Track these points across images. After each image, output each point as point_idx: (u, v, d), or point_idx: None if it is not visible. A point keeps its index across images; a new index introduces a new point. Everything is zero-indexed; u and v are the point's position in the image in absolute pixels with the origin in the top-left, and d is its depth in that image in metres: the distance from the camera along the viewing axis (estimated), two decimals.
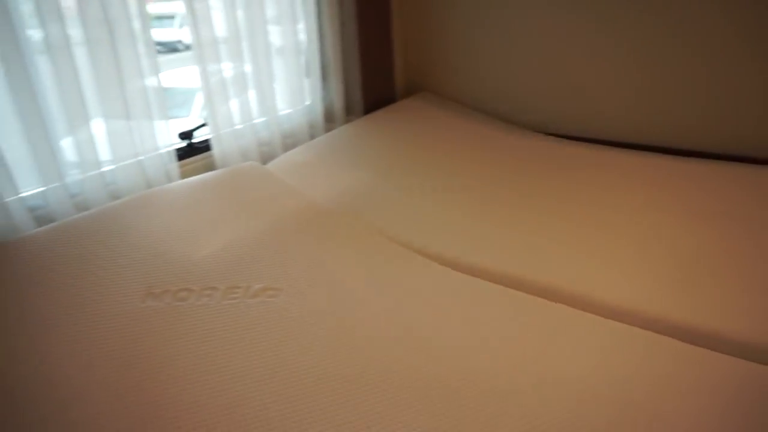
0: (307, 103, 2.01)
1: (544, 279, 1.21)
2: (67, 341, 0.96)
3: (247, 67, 1.73)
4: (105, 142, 1.43)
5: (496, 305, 1.12)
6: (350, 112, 2.14)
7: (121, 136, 1.44)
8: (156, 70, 1.48)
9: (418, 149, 1.86)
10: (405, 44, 2.35)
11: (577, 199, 1.54)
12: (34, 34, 1.29)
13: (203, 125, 1.68)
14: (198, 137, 1.72)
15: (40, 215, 1.34)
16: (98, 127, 1.41)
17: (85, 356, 0.93)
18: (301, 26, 1.92)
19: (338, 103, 2.07)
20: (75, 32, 1.31)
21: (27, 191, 1.33)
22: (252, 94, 1.78)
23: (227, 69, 1.66)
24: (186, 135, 1.68)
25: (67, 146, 1.39)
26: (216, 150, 1.66)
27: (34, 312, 1.01)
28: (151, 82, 1.46)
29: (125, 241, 1.20)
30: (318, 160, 1.74)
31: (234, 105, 1.71)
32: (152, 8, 1.48)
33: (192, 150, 1.69)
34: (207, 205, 1.37)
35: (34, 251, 1.14)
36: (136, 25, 1.41)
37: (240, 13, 1.68)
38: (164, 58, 1.47)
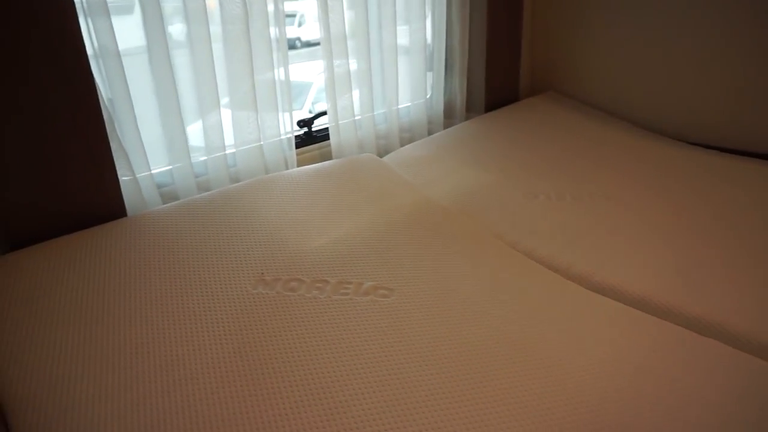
0: (428, 96, 1.93)
1: (696, 309, 1.03)
2: (181, 320, 0.95)
3: (372, 61, 1.69)
4: (229, 128, 1.44)
5: (635, 333, 0.98)
6: (471, 109, 2.04)
7: (245, 123, 1.45)
8: (285, 63, 1.47)
9: (543, 151, 1.72)
10: (533, 41, 2.20)
11: (736, 219, 1.33)
12: (176, 29, 1.33)
13: (323, 113, 1.66)
14: (316, 126, 1.70)
15: (166, 192, 1.38)
16: (225, 115, 1.42)
17: (197, 338, 0.92)
18: (428, 21, 1.85)
19: (459, 99, 1.97)
20: (214, 29, 1.34)
21: (156, 169, 1.37)
22: (373, 86, 1.73)
23: (352, 63, 1.63)
24: (305, 123, 1.67)
25: (195, 131, 1.42)
26: (333, 140, 1.64)
27: (152, 286, 1.02)
28: (278, 74, 1.46)
29: (242, 225, 1.20)
30: (436, 156, 1.66)
31: (355, 96, 1.67)
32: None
33: (310, 138, 1.68)
34: (323, 195, 1.34)
35: (159, 226, 1.17)
36: (271, 21, 1.42)
37: (372, 8, 1.65)
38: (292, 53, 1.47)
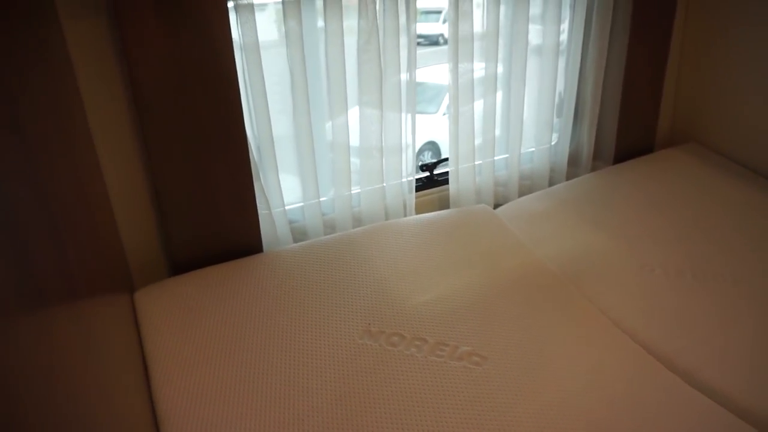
0: (553, 143, 1.92)
1: None
2: (295, 361, 1.10)
3: (498, 104, 1.73)
4: (357, 169, 1.58)
5: None
6: (598, 158, 1.99)
7: (370, 166, 1.57)
8: (413, 122, 1.58)
9: (672, 215, 1.64)
10: (678, 84, 2.08)
11: None
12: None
13: (445, 160, 1.74)
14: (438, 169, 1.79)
15: (296, 227, 1.55)
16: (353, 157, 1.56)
17: (307, 381, 1.06)
18: (561, 62, 1.84)
19: (587, 148, 1.94)
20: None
21: (290, 206, 1.55)
22: (497, 129, 1.77)
23: (479, 106, 1.68)
24: (427, 167, 1.76)
25: (325, 173, 1.58)
26: (452, 186, 1.71)
27: (275, 325, 1.18)
28: (405, 125, 1.57)
29: (358, 272, 1.32)
30: (553, 212, 1.66)
31: (477, 139, 1.72)
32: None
33: (430, 181, 1.77)
34: (434, 248, 1.43)
35: (288, 265, 1.33)
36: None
37: (501, 43, 1.68)
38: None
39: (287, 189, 1.50)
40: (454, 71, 1.59)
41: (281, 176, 1.46)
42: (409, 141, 1.59)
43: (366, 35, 1.41)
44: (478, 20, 1.60)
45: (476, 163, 1.74)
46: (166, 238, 1.33)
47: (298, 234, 1.55)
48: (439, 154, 3.81)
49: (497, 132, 1.77)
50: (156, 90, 1.19)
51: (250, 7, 1.28)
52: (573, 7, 1.79)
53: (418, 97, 1.59)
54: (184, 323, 1.16)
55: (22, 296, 0.50)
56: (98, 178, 1.21)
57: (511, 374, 1.09)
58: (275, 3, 1.38)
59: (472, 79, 1.62)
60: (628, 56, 1.85)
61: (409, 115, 1.57)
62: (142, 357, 1.11)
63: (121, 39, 1.13)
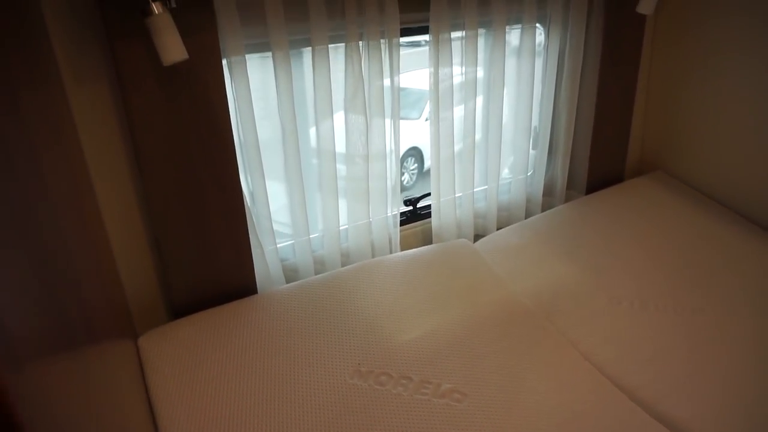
0: (529, 173, 2.04)
1: None
2: (289, 401, 1.19)
3: (476, 137, 1.83)
4: (344, 211, 1.67)
5: None
6: (572, 187, 2.11)
7: (357, 205, 1.67)
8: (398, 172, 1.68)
9: (638, 247, 1.76)
10: (646, 117, 2.21)
11: None
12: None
13: (427, 195, 1.84)
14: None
15: (287, 265, 1.64)
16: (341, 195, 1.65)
17: (300, 422, 1.15)
18: (535, 100, 1.95)
19: (561, 178, 2.05)
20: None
21: (281, 244, 1.64)
22: (476, 161, 1.87)
23: (457, 142, 1.78)
24: (411, 202, 1.86)
25: (316, 211, 1.67)
26: (435, 219, 1.81)
27: (269, 366, 1.27)
28: (390, 169, 1.66)
29: (347, 311, 1.42)
30: (529, 245, 1.77)
31: (458, 171, 1.82)
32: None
33: (414, 215, 1.87)
34: (417, 285, 1.53)
35: (281, 307, 1.42)
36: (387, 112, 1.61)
37: (481, 87, 1.78)
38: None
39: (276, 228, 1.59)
40: (434, 100, 1.70)
41: (274, 215, 1.55)
42: (393, 147, 1.68)
43: (353, 89, 1.51)
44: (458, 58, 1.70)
45: (456, 195, 1.85)
46: (165, 283, 1.41)
47: (290, 272, 1.64)
48: (422, 160, 3.92)
49: (477, 164, 1.87)
50: (156, 147, 1.27)
51: (243, 63, 1.36)
52: (546, 48, 1.90)
53: (401, 101, 1.64)
54: (186, 367, 1.24)
55: (30, 344, 0.53)
56: (101, 227, 1.29)
57: (490, 411, 1.19)
58: (263, 57, 1.47)
59: (452, 85, 1.71)
60: (599, 93, 1.97)
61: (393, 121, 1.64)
62: (148, 400, 1.20)
63: (124, 102, 1.21)
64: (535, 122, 1.99)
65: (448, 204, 1.83)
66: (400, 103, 1.61)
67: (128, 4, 1.09)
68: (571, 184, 2.11)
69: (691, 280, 1.61)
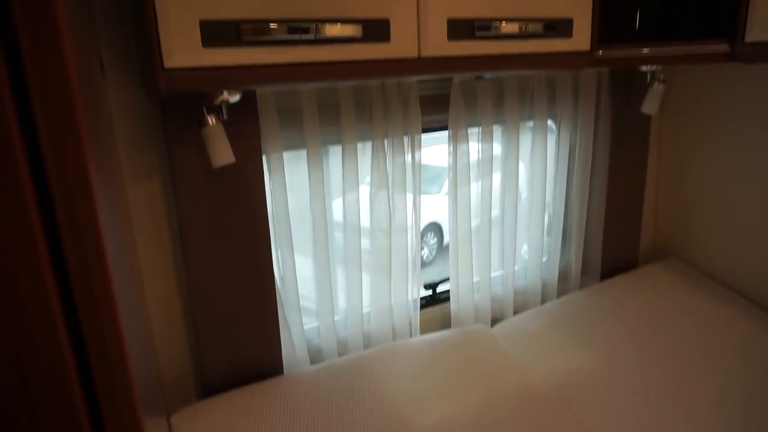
0: (544, 259, 2.12)
1: None
2: None
3: (492, 224, 1.93)
4: (367, 291, 1.76)
5: None
6: (586, 273, 2.18)
7: (380, 279, 1.76)
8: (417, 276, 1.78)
9: (655, 333, 1.80)
10: (655, 207, 2.31)
11: None
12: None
13: (446, 280, 1.93)
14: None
15: (312, 347, 1.72)
16: (365, 281, 1.75)
17: None
18: (549, 186, 2.07)
19: (575, 265, 2.13)
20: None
21: (307, 325, 1.72)
22: (494, 247, 1.97)
23: (475, 217, 1.89)
24: (430, 286, 1.95)
25: (338, 286, 1.76)
26: (453, 304, 1.89)
27: None
28: (411, 258, 1.77)
29: (368, 395, 1.47)
30: (545, 331, 1.83)
31: (475, 255, 1.91)
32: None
33: (433, 299, 1.95)
34: (436, 370, 1.58)
35: (305, 388, 1.49)
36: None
37: (497, 179, 1.91)
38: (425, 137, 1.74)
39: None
40: (452, 191, 1.82)
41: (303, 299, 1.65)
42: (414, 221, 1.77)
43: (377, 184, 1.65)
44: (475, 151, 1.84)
45: (474, 280, 1.93)
46: (199, 361, 1.49)
47: (314, 353, 1.71)
48: (442, 234, 4.02)
49: (493, 250, 1.97)
50: (199, 235, 1.40)
51: (280, 158, 1.51)
52: (558, 143, 2.04)
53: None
54: None
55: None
56: (144, 304, 1.40)
57: None
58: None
59: (469, 206, 1.84)
60: (609, 184, 2.09)
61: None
62: None
63: (175, 197, 1.35)
64: (549, 211, 2.10)
65: (466, 288, 1.91)
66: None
67: (187, 115, 1.25)
68: (585, 269, 2.18)
69: (707, 369, 1.64)
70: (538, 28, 1.33)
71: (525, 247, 2.10)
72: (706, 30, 1.69)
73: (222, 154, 1.20)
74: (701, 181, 2.13)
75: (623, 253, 2.22)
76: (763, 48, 1.39)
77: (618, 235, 2.18)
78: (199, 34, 0.99)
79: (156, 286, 1.46)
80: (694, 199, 2.17)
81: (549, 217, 2.11)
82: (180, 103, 1.28)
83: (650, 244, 2.34)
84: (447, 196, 1.83)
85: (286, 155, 1.53)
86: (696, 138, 2.12)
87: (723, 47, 1.46)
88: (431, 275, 2.02)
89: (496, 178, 1.93)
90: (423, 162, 1.75)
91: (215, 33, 1.00)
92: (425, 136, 1.74)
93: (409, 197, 1.74)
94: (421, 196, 1.76)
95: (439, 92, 1.72)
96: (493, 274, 1.99)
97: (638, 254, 2.27)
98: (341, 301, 1.79)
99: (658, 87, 1.86)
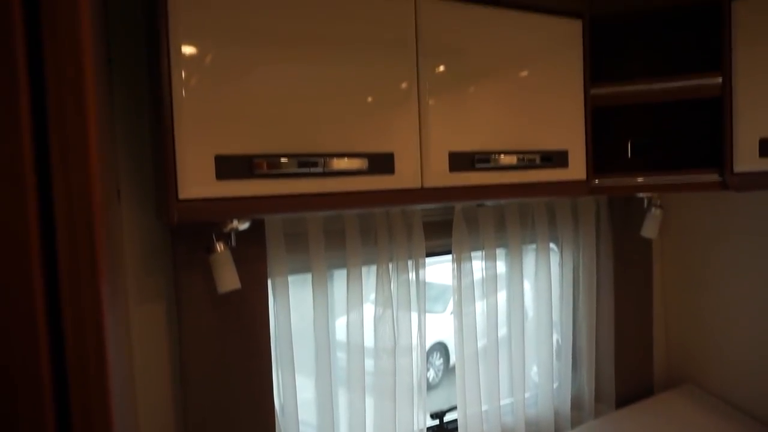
0: (555, 385, 2.04)
1: None
2: None
3: (500, 351, 1.88)
4: (371, 417, 1.67)
5: None
6: (600, 401, 2.08)
7: (384, 402, 1.67)
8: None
9: None
10: (665, 325, 2.26)
11: None
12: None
13: (453, 408, 1.85)
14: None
15: None
16: (368, 406, 1.67)
17: None
18: (555, 307, 2.04)
19: (588, 391, 2.05)
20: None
21: None
22: (502, 371, 1.90)
23: (481, 340, 1.84)
24: (437, 415, 1.86)
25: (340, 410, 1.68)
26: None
27: None
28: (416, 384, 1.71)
29: None
30: None
31: (483, 380, 1.84)
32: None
33: (440, 429, 1.86)
34: None
35: None
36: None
37: (502, 305, 1.90)
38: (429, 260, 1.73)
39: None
40: (458, 312, 1.79)
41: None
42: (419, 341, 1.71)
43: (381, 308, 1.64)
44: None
45: (483, 409, 1.84)
46: None
47: None
48: (448, 355, 3.87)
49: (502, 375, 1.90)
50: (200, 361, 1.36)
51: (285, 282, 1.52)
52: (561, 265, 2.06)
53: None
54: None
55: None
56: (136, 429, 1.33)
57: None
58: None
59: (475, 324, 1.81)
60: (616, 308, 2.07)
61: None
62: None
63: (179, 321, 1.34)
64: (556, 335, 2.06)
65: (475, 418, 1.82)
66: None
67: (196, 241, 1.29)
68: (599, 396, 2.09)
69: None
70: (535, 159, 1.41)
71: (535, 369, 2.03)
72: (696, 159, 1.78)
73: (228, 280, 1.22)
74: (710, 302, 2.11)
75: (637, 378, 2.14)
76: (753, 177, 1.45)
77: (630, 359, 2.11)
78: (213, 168, 1.05)
79: (150, 408, 1.40)
80: (704, 320, 2.13)
81: (557, 340, 2.06)
82: (190, 229, 1.31)
83: (665, 366, 2.26)
84: (452, 315, 1.81)
85: (291, 278, 1.55)
86: (699, 259, 2.14)
87: (714, 177, 1.52)
88: (438, 400, 1.94)
89: (501, 296, 1.92)
90: (427, 280, 1.75)
91: (229, 167, 1.06)
92: (429, 262, 1.76)
93: (414, 315, 1.72)
94: (426, 315, 1.74)
95: (442, 218, 1.77)
96: (502, 402, 1.90)
97: (653, 377, 2.18)
98: (343, 429, 1.70)
99: (655, 212, 1.91)
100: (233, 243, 1.27)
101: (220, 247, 1.22)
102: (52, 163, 0.47)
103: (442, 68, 1.29)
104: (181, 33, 1.03)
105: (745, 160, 1.45)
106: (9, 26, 0.42)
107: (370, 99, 1.20)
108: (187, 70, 1.03)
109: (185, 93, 1.03)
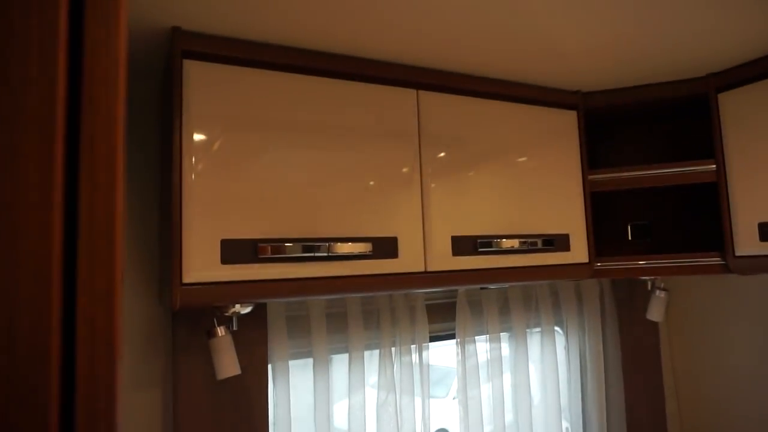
0: None
1: None
2: None
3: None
4: None
5: None
6: None
7: None
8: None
9: None
10: (680, 413, 2.18)
11: None
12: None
13: None
14: None
15: None
16: None
17: None
18: (563, 392, 1.97)
19: None
20: None
21: None
22: None
23: (487, 426, 1.76)
24: None
25: None
26: None
27: None
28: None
29: None
30: None
31: None
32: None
33: None
34: None
35: None
36: None
37: (508, 380, 1.84)
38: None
39: None
40: (463, 401, 1.73)
41: None
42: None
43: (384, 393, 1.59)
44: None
45: None
46: None
47: None
48: None
49: None
50: None
51: (286, 367, 1.48)
52: (567, 349, 2.01)
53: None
54: None
55: None
56: None
57: None
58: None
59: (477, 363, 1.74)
60: (626, 392, 2.00)
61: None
62: None
63: (174, 406, 1.30)
64: (565, 423, 1.98)
65: None
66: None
67: (197, 325, 1.27)
68: None
69: None
70: (537, 243, 1.42)
71: None
72: (698, 242, 1.79)
73: (228, 366, 1.19)
74: (722, 384, 2.04)
75: None
76: (755, 261, 1.45)
77: None
78: (219, 252, 1.06)
79: None
80: (718, 403, 2.06)
81: (567, 428, 1.98)
82: (191, 313, 1.30)
83: None
84: (455, 399, 1.75)
85: (292, 362, 1.51)
86: (709, 341, 2.09)
87: (717, 260, 1.53)
88: None
89: (507, 380, 1.86)
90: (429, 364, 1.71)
91: (234, 251, 1.07)
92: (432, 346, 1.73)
93: (418, 401, 1.66)
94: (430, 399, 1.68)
95: (445, 301, 1.75)
96: None
97: None
98: None
99: (660, 295, 1.89)
100: (235, 326, 1.25)
101: (221, 331, 1.20)
102: (79, 249, 0.47)
103: (443, 155, 1.33)
104: (193, 122, 1.07)
105: (746, 243, 1.46)
106: (52, 100, 0.44)
107: (373, 185, 1.23)
108: (196, 157, 1.07)
109: (194, 178, 1.06)
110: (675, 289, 2.18)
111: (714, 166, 1.52)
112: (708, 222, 1.75)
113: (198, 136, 1.08)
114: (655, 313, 1.91)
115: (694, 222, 1.84)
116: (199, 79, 1.09)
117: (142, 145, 1.37)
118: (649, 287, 1.93)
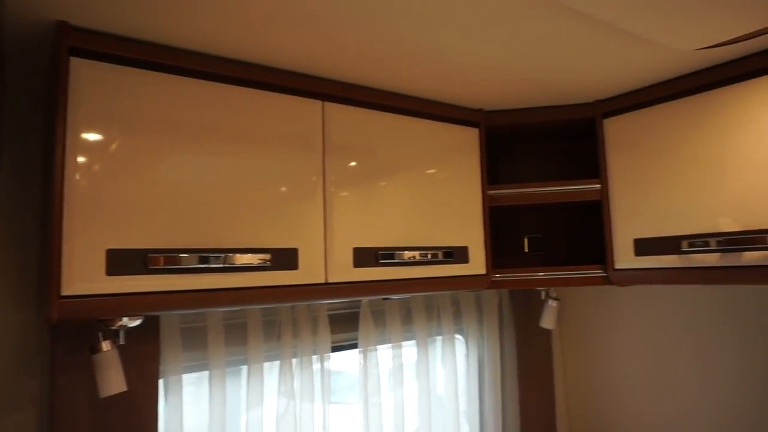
0: None
1: None
2: None
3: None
4: None
5: None
6: None
7: None
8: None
9: None
10: (567, 410, 2.32)
11: None
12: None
13: None
14: None
15: None
16: None
17: None
18: (462, 397, 2.04)
19: None
20: None
21: None
22: None
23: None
24: None
25: None
26: None
27: None
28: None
29: None
30: None
31: None
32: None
33: None
34: None
35: None
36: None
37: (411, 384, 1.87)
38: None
39: None
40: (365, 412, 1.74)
41: None
42: None
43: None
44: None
45: None
46: None
47: None
48: None
49: None
50: None
51: (179, 381, 1.41)
52: (467, 356, 2.08)
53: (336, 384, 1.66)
54: None
55: None
56: None
57: None
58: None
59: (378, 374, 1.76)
60: (521, 397, 2.12)
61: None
62: None
63: (50, 427, 1.20)
64: (466, 427, 2.05)
65: None
66: (337, 385, 1.66)
67: (79, 339, 1.18)
68: None
69: None
70: (438, 255, 1.46)
71: None
72: (587, 256, 1.93)
73: (113, 383, 1.12)
74: (606, 387, 2.21)
75: None
76: (631, 273, 1.58)
77: None
78: (104, 262, 1.00)
79: None
80: (602, 406, 2.21)
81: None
82: (72, 326, 1.21)
83: None
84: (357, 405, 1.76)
85: (186, 376, 1.45)
86: (595, 347, 2.25)
87: (599, 272, 1.65)
88: None
89: (410, 387, 1.90)
90: (338, 369, 1.70)
91: (121, 262, 1.01)
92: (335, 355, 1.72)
93: (318, 408, 1.65)
94: (338, 405, 1.67)
95: (348, 311, 1.76)
96: None
97: None
98: None
99: (552, 304, 2.01)
100: (122, 341, 1.18)
101: (106, 345, 1.12)
102: None
103: (347, 167, 1.34)
104: (80, 122, 1.01)
105: (624, 257, 1.59)
106: None
107: (274, 194, 1.21)
108: (82, 159, 1.00)
109: (79, 180, 0.99)
110: (566, 300, 2.33)
111: (599, 185, 1.64)
112: (595, 237, 1.90)
113: (85, 137, 1.01)
114: (547, 320, 2.03)
115: (583, 236, 1.98)
116: (88, 78, 1.03)
117: (24, 143, 1.26)
118: (543, 297, 2.05)
